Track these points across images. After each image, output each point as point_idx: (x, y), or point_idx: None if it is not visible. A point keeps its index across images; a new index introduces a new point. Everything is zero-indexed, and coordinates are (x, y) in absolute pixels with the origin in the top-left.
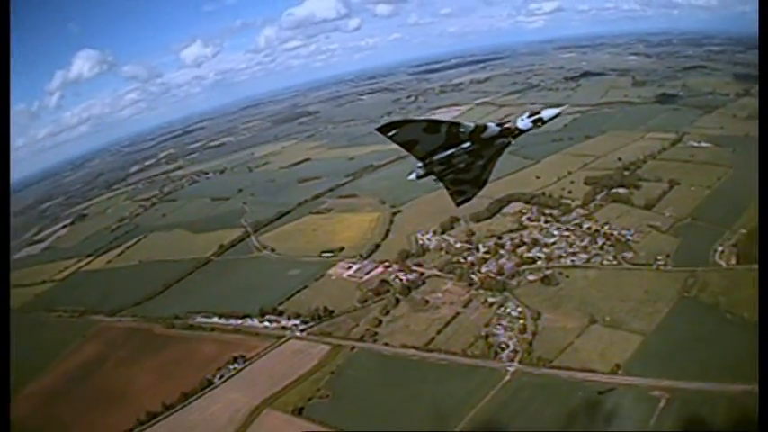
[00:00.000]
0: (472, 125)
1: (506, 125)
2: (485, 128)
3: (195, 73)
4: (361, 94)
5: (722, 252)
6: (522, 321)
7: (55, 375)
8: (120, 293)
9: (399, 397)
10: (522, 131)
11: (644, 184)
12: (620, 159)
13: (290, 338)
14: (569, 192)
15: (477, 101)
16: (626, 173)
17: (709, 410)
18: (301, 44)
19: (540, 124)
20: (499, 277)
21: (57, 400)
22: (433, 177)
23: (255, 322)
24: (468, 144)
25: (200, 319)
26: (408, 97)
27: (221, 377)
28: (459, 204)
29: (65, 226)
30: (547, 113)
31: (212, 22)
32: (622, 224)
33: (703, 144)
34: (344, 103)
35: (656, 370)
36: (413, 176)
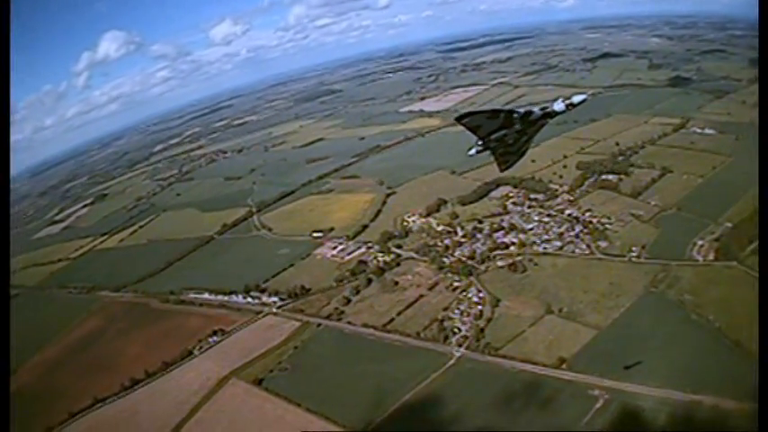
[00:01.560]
0: (522, 111)
1: (547, 110)
2: (531, 112)
3: (225, 51)
4: (387, 72)
5: (701, 246)
6: (480, 307)
7: (58, 347)
8: (127, 270)
9: (349, 374)
10: (557, 113)
11: (636, 170)
12: (617, 144)
13: (267, 314)
14: (560, 176)
15: (495, 81)
16: (620, 158)
17: (649, 417)
18: (332, 21)
19: (571, 108)
20: (470, 261)
21: (57, 369)
22: (489, 152)
23: (240, 298)
24: (518, 126)
25: (192, 295)
26: (429, 76)
27: (200, 348)
28: (503, 170)
29: (85, 206)
30: (576, 98)
31: (241, 1)
32: (605, 212)
33: (707, 131)
34: (367, 82)
35: (601, 368)
36: (472, 152)
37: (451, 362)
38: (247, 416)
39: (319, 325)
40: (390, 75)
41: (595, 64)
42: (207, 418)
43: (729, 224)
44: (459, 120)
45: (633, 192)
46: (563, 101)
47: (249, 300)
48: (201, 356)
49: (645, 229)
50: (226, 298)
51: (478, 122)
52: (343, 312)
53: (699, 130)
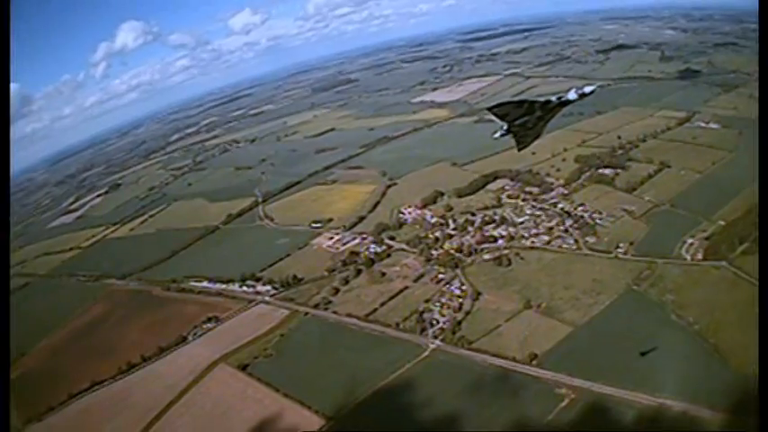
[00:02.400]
0: (543, 100)
1: (562, 99)
2: (549, 101)
3: (245, 40)
4: (405, 62)
5: (691, 244)
6: (460, 300)
7: (64, 333)
8: (134, 259)
9: (328, 361)
10: (571, 101)
11: (633, 164)
12: (619, 137)
13: (259, 303)
14: (558, 170)
15: (508, 71)
16: (620, 152)
17: (614, 419)
18: (352, 11)
19: (582, 97)
20: (457, 254)
21: (61, 353)
22: (510, 135)
23: (236, 287)
24: (538, 113)
25: (192, 283)
26: (444, 66)
27: (195, 334)
28: (521, 149)
29: (99, 195)
30: (587, 89)
31: None
32: (597, 206)
33: (711, 125)
34: (384, 72)
35: (571, 366)
36: (497, 134)
37: (426, 353)
38: (230, 399)
39: (307, 314)
40: (407, 64)
41: (608, 55)
42: (193, 401)
43: (722, 222)
44: (490, 109)
45: (628, 187)
46: (575, 90)
47: (245, 288)
48: (195, 342)
49: (635, 225)
50: (223, 286)
51: (506, 111)
52: (330, 302)
53: (703, 125)
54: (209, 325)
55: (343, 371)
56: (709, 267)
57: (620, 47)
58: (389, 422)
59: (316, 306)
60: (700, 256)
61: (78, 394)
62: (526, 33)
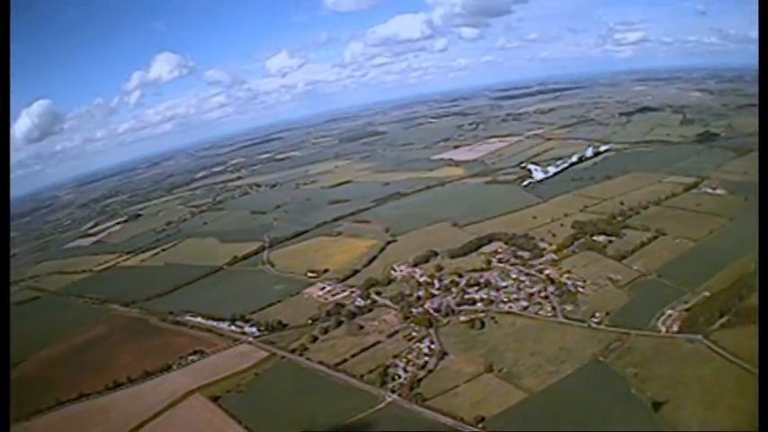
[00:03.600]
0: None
1: (581, 157)
2: (572, 156)
3: (281, 82)
4: (435, 117)
5: (669, 316)
6: (426, 359)
7: (63, 347)
8: (139, 288)
9: (291, 403)
10: (588, 158)
11: (629, 232)
12: (622, 204)
13: (243, 342)
14: (553, 235)
15: (530, 132)
16: (619, 219)
17: None
18: (389, 61)
19: (597, 156)
20: (436, 314)
21: (57, 364)
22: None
23: (225, 325)
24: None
25: (187, 317)
26: (470, 124)
27: (180, 365)
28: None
29: (118, 223)
30: (602, 148)
31: (298, 35)
32: (584, 274)
33: (718, 191)
34: (412, 126)
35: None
36: (525, 183)
37: (380, 405)
38: (196, 425)
39: (283, 357)
40: (437, 120)
41: (630, 118)
42: (165, 422)
43: (707, 293)
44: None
45: (618, 255)
46: (592, 149)
47: (233, 327)
48: (178, 371)
49: (617, 295)
50: (214, 323)
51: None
52: (307, 348)
53: (710, 190)
54: (193, 357)
55: (301, 412)
56: (683, 341)
57: (644, 109)
58: None
59: (293, 351)
60: (675, 328)
61: (65, 402)
62: (557, 93)
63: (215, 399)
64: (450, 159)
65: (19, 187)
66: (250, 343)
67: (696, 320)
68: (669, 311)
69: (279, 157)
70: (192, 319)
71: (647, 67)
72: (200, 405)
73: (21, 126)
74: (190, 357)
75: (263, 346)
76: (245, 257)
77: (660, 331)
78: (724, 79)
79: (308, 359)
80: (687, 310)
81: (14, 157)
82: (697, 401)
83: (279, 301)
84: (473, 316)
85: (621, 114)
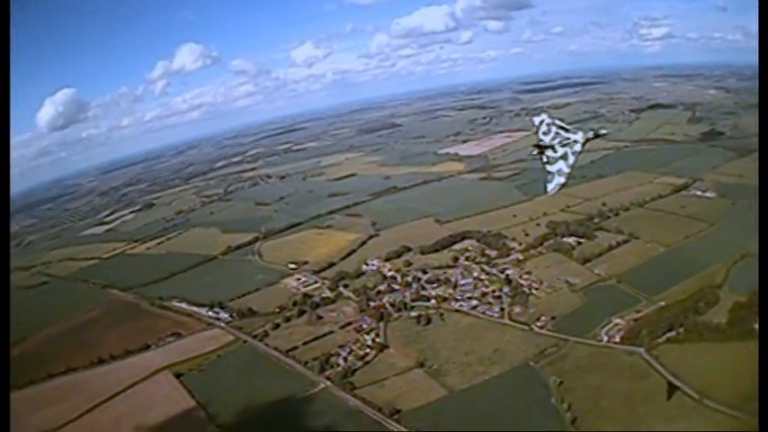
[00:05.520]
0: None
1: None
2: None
3: (308, 72)
4: (455, 110)
5: (615, 325)
6: (367, 350)
7: (61, 328)
8: (139, 275)
9: (240, 382)
10: (589, 140)
11: (602, 234)
12: (604, 204)
13: (215, 327)
14: (526, 234)
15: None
16: (596, 220)
17: None
18: (415, 52)
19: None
20: (390, 308)
21: (53, 342)
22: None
23: (204, 311)
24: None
25: (174, 303)
26: (484, 118)
27: (157, 345)
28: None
29: (132, 212)
30: (603, 131)
31: (322, 25)
32: (543, 276)
33: (708, 193)
34: (429, 119)
35: (425, 428)
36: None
37: (314, 390)
38: (157, 397)
39: (245, 342)
40: (455, 112)
41: (639, 115)
42: (133, 394)
43: (663, 303)
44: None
45: (583, 258)
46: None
47: (210, 313)
48: (154, 350)
49: (569, 299)
50: (195, 309)
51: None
52: (267, 335)
53: (699, 193)
54: (170, 339)
55: (246, 391)
56: (622, 353)
57: (656, 106)
58: None
59: (255, 336)
60: (618, 338)
61: (55, 375)
62: (578, 88)
63: (179, 376)
64: (456, 154)
65: (43, 174)
66: (221, 328)
67: (641, 330)
68: (617, 320)
69: (296, 148)
70: (177, 304)
71: (672, 62)
72: (166, 381)
73: (44, 114)
74: (167, 338)
75: (232, 330)
76: (238, 248)
77: (602, 340)
78: (743, 77)
79: (265, 344)
80: (636, 320)
81: (38, 144)
82: (617, 419)
83: (257, 290)
84: (423, 312)
85: (632, 111)
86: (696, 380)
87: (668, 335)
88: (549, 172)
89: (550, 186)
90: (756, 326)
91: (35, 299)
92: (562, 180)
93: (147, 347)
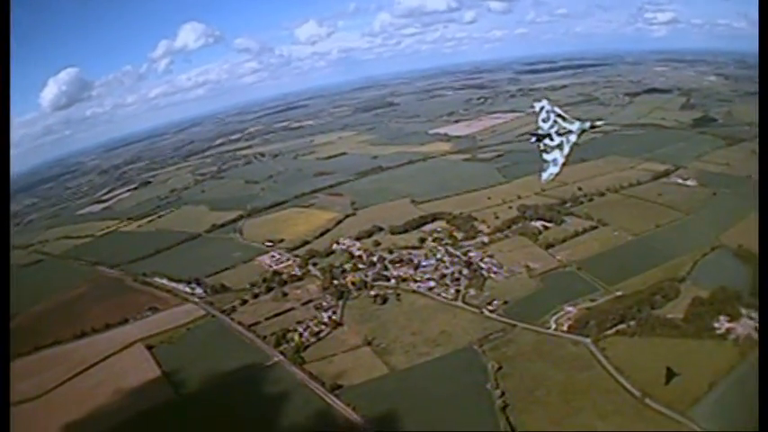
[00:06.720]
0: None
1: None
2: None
3: (312, 50)
4: (452, 89)
5: (566, 314)
6: (323, 327)
7: (51, 303)
8: (127, 252)
9: (204, 354)
10: (584, 131)
11: (571, 219)
12: (580, 189)
13: (189, 302)
14: (496, 217)
15: (530, 109)
16: (568, 204)
17: None
18: (419, 31)
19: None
20: (352, 287)
21: (42, 318)
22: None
23: (181, 286)
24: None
25: (155, 279)
26: (479, 98)
27: (135, 318)
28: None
29: (129, 190)
30: (599, 122)
31: (325, 4)
32: (504, 260)
33: (689, 182)
34: (426, 98)
35: (363, 405)
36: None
37: (267, 363)
38: (128, 366)
39: (214, 316)
40: (452, 92)
41: (633, 100)
42: (108, 364)
43: (620, 293)
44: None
45: (547, 243)
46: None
47: (187, 289)
48: (132, 324)
49: (526, 284)
50: (174, 285)
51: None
52: (235, 310)
53: (680, 181)
54: (148, 313)
55: (208, 363)
56: (568, 342)
57: (651, 91)
58: (216, 406)
59: (223, 311)
60: (566, 327)
61: (42, 348)
62: (579, 70)
63: (150, 348)
64: (445, 134)
65: (46, 152)
66: (195, 303)
67: (589, 320)
68: (569, 308)
69: (294, 125)
70: (158, 280)
71: (677, 48)
72: (139, 352)
73: (48, 94)
74: (145, 313)
75: (204, 306)
76: (222, 225)
77: (549, 328)
78: (745, 65)
79: (231, 319)
80: (588, 309)
81: (43, 123)
82: (549, 411)
83: (232, 267)
84: (382, 292)
85: (626, 95)
86: (640, 377)
87: (618, 327)
88: (544, 160)
89: (545, 175)
90: (716, 324)
91: (29, 277)
92: (556, 170)
93: (126, 321)
